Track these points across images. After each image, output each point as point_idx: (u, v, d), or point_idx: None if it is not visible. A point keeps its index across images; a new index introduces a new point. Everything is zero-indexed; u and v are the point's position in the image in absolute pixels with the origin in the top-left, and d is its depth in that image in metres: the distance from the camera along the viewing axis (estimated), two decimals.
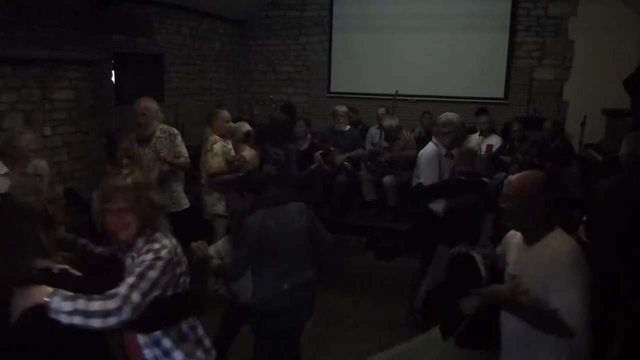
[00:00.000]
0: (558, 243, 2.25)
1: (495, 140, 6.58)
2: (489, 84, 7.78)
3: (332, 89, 8.64)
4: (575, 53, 7.44)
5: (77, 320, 1.72)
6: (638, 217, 2.96)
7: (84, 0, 5.39)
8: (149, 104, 4.55)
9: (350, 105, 7.28)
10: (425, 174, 4.17)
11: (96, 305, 1.74)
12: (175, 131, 4.69)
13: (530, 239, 2.33)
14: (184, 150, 4.64)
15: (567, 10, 7.39)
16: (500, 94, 7.78)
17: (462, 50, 7.78)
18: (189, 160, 4.71)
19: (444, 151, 4.20)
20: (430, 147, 4.28)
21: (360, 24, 8.22)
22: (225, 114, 5.00)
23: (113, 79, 6.05)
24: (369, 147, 6.66)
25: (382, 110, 7.10)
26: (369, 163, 6.29)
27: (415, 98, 7.93)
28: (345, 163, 6.24)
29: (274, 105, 7.56)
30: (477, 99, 7.62)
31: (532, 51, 7.66)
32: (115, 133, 5.07)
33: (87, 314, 1.73)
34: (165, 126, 4.67)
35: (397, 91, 7.39)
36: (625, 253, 2.96)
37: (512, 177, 2.49)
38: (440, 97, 7.89)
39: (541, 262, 2.21)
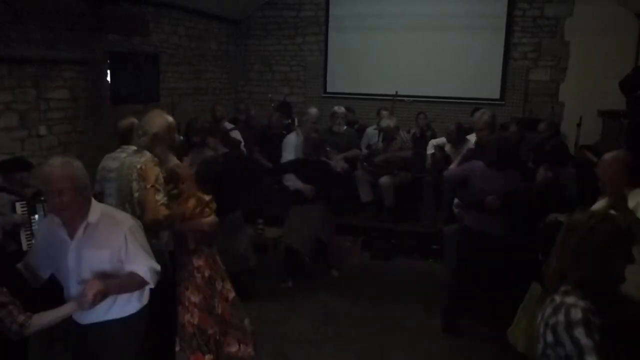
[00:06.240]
0: None
1: None
2: (485, 84, 7.80)
3: (328, 89, 8.66)
4: (571, 54, 7.47)
5: None
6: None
7: (80, 0, 5.38)
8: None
9: (346, 105, 7.28)
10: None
11: None
12: None
13: None
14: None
15: (563, 11, 7.42)
16: (496, 95, 7.80)
17: (458, 51, 7.80)
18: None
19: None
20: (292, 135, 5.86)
21: (357, 24, 8.23)
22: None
23: (109, 78, 6.03)
24: (365, 147, 6.65)
25: (385, 112, 7.06)
26: (365, 164, 6.29)
27: (411, 98, 7.94)
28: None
29: (273, 105, 7.55)
30: (473, 100, 7.64)
31: (528, 52, 7.69)
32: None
33: None
34: None
35: (397, 92, 7.37)
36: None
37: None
38: (436, 98, 7.94)
39: None
